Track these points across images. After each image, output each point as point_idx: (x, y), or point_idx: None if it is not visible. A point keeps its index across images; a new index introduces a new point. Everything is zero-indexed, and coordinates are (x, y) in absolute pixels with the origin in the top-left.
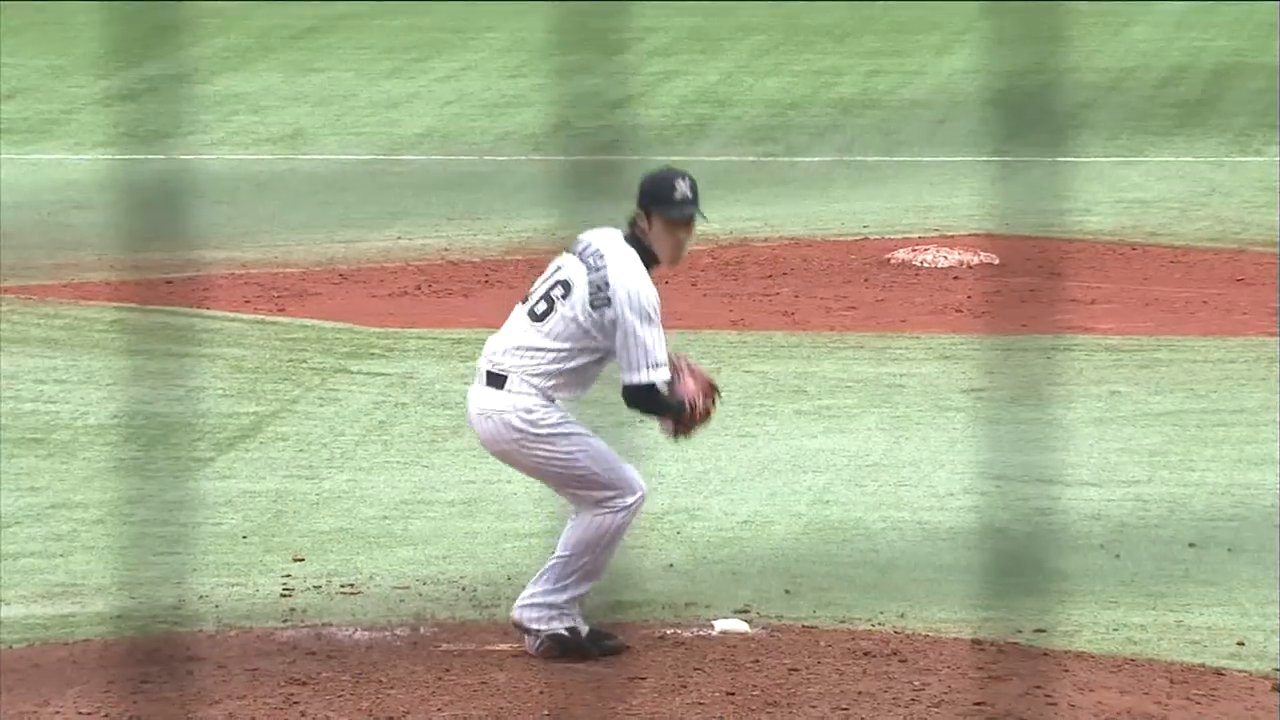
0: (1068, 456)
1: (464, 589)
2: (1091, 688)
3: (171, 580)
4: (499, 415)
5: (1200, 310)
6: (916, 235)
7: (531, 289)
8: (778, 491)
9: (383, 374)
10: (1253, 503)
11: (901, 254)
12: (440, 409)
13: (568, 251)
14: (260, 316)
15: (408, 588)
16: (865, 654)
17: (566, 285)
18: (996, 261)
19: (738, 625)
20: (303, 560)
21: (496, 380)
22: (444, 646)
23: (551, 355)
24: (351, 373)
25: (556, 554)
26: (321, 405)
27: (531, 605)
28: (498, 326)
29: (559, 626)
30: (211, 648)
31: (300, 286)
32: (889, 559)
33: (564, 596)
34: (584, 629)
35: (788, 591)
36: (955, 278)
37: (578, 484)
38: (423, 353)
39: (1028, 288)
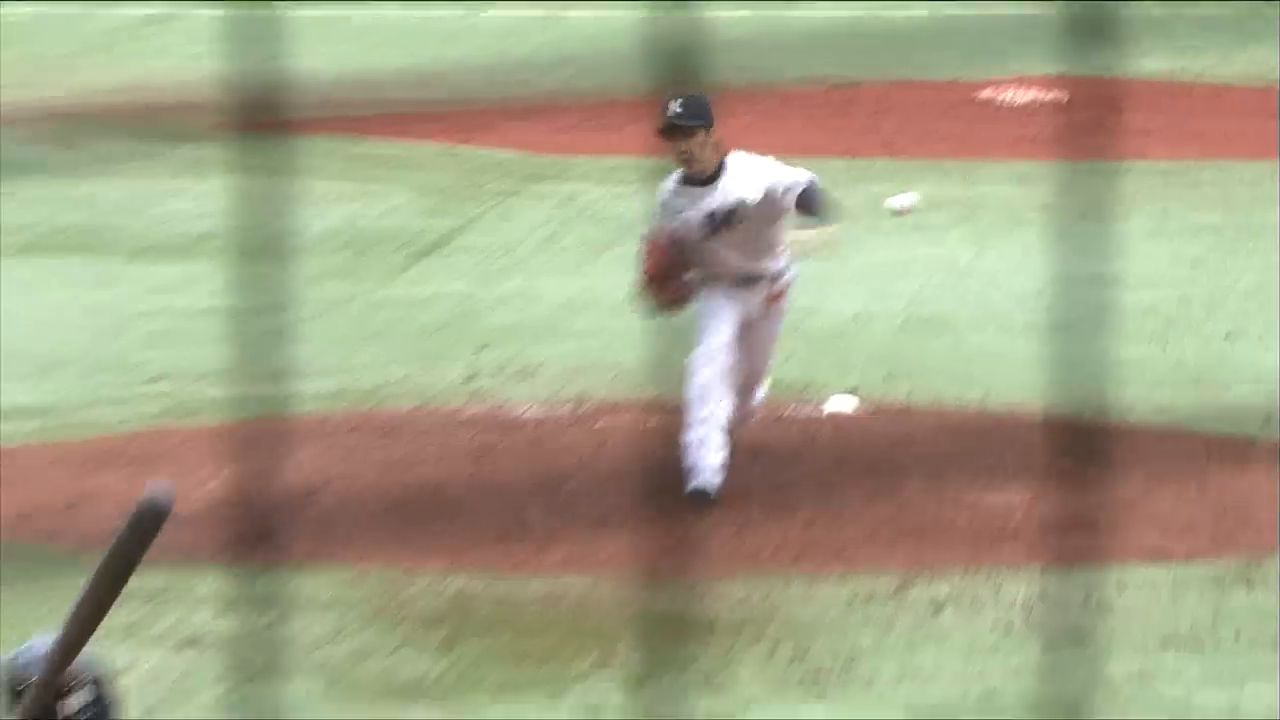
0: (1126, 264)
1: (618, 375)
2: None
3: (376, 365)
4: None
5: (1238, 139)
6: (997, 78)
7: None
8: (880, 293)
9: (551, 195)
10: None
11: (985, 93)
12: (600, 224)
13: None
14: (448, 146)
15: (572, 373)
16: (953, 430)
17: None
18: (1066, 99)
19: (844, 404)
20: (484, 349)
21: None
22: (600, 423)
23: None
24: (525, 194)
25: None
26: (499, 221)
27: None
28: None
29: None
30: (409, 421)
31: (481, 121)
32: (972, 350)
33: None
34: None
35: (887, 378)
36: (1030, 113)
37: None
38: (586, 177)
39: (1092, 120)
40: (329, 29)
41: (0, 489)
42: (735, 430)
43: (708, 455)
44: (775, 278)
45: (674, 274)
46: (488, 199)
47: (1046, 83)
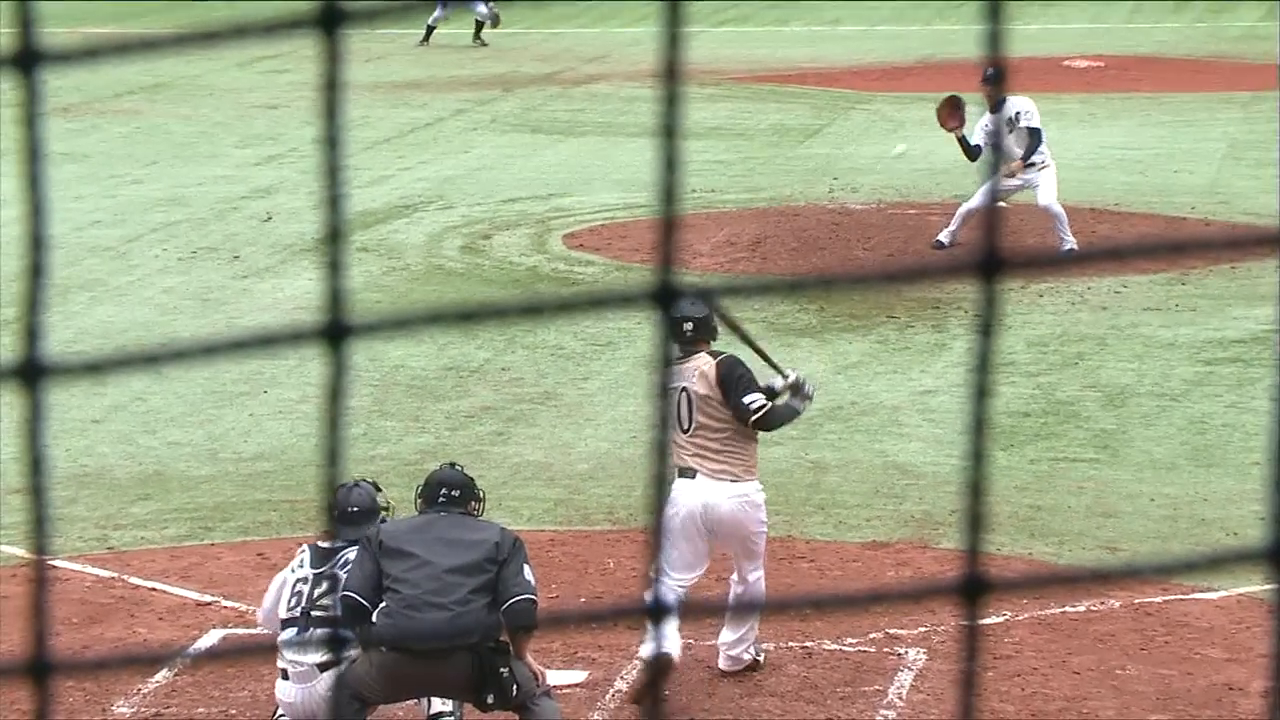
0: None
1: None
2: None
3: None
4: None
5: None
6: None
7: None
8: None
9: None
10: None
11: (1066, 63)
12: None
13: None
14: None
15: None
16: None
17: None
18: (1102, 65)
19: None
20: None
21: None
22: None
23: None
24: None
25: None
26: None
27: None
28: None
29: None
30: None
31: None
32: None
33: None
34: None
35: None
36: (1086, 70)
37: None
38: None
39: (1130, 77)
40: None
41: None
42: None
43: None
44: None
45: None
46: None
47: (1094, 57)
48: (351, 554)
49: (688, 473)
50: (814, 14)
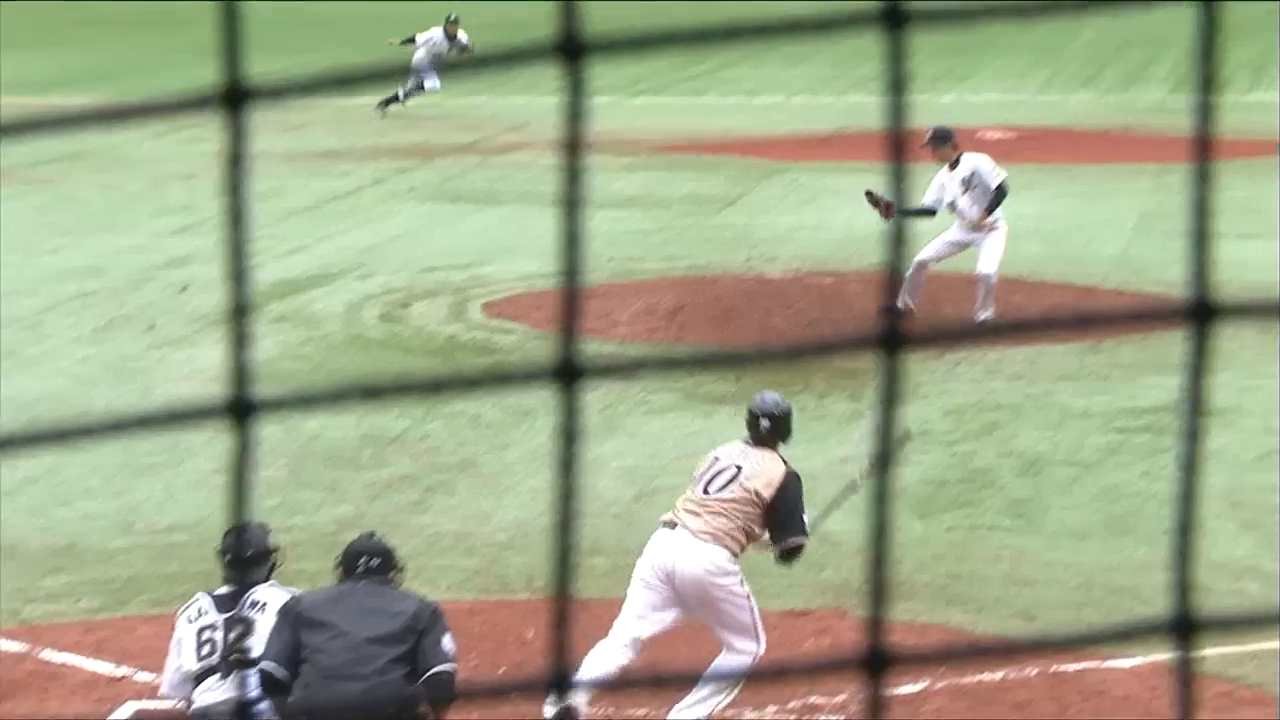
0: None
1: None
2: None
3: None
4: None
5: None
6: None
7: None
8: None
9: None
10: None
11: (980, 134)
12: None
13: None
14: None
15: None
16: None
17: None
18: (1015, 136)
19: None
20: None
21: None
22: None
23: None
24: None
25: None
26: None
27: None
28: None
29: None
30: None
31: None
32: None
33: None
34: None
35: None
36: (1000, 141)
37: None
38: None
39: (1043, 148)
40: None
41: None
42: None
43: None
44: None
45: None
46: None
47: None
48: (257, 594)
49: (670, 524)
50: (730, 85)
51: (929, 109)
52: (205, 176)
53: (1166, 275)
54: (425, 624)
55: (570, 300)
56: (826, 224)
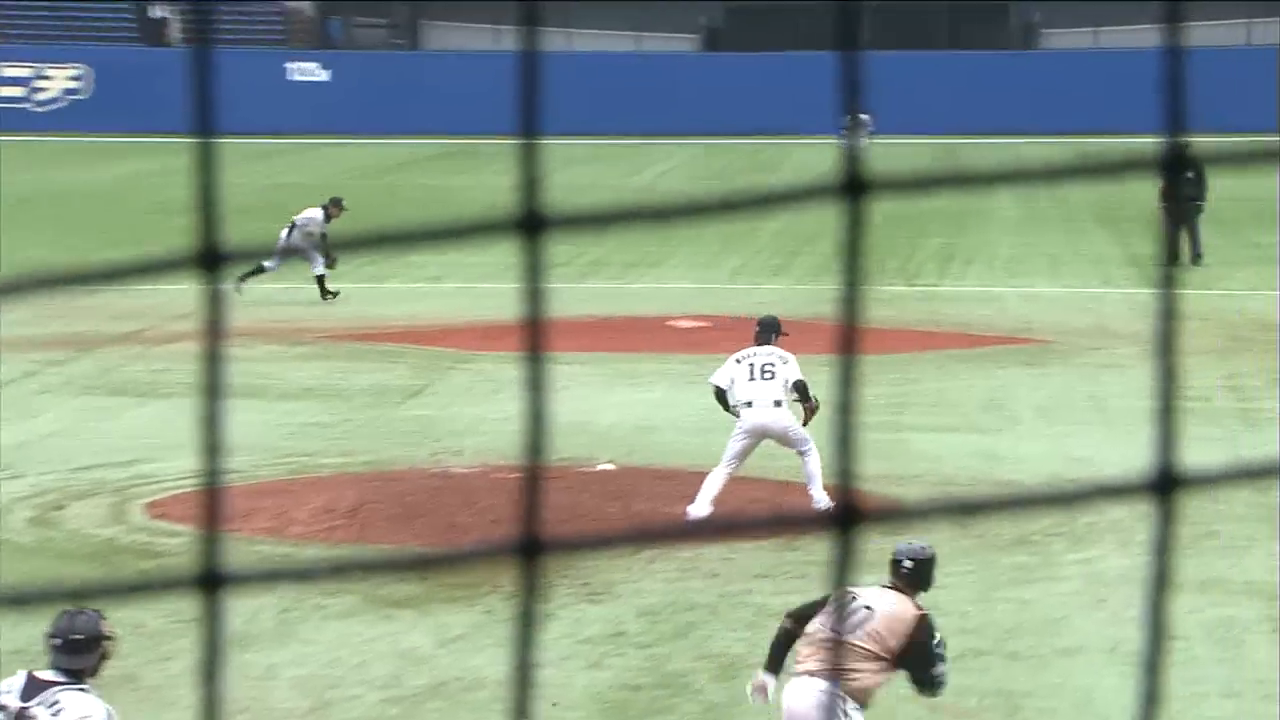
0: None
1: None
2: None
3: None
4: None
5: None
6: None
7: None
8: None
9: None
10: None
11: (670, 323)
12: None
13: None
14: None
15: None
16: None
17: None
18: (707, 325)
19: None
20: None
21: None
22: None
23: None
24: None
25: None
26: None
27: None
28: None
29: None
30: None
31: None
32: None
33: None
34: None
35: (629, 453)
36: (691, 330)
37: None
38: None
39: (735, 338)
40: None
41: None
42: None
43: None
44: None
45: None
46: None
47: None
48: (64, 696)
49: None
50: (413, 270)
51: (620, 297)
52: None
53: (860, 468)
54: None
55: (212, 503)
56: (514, 415)
